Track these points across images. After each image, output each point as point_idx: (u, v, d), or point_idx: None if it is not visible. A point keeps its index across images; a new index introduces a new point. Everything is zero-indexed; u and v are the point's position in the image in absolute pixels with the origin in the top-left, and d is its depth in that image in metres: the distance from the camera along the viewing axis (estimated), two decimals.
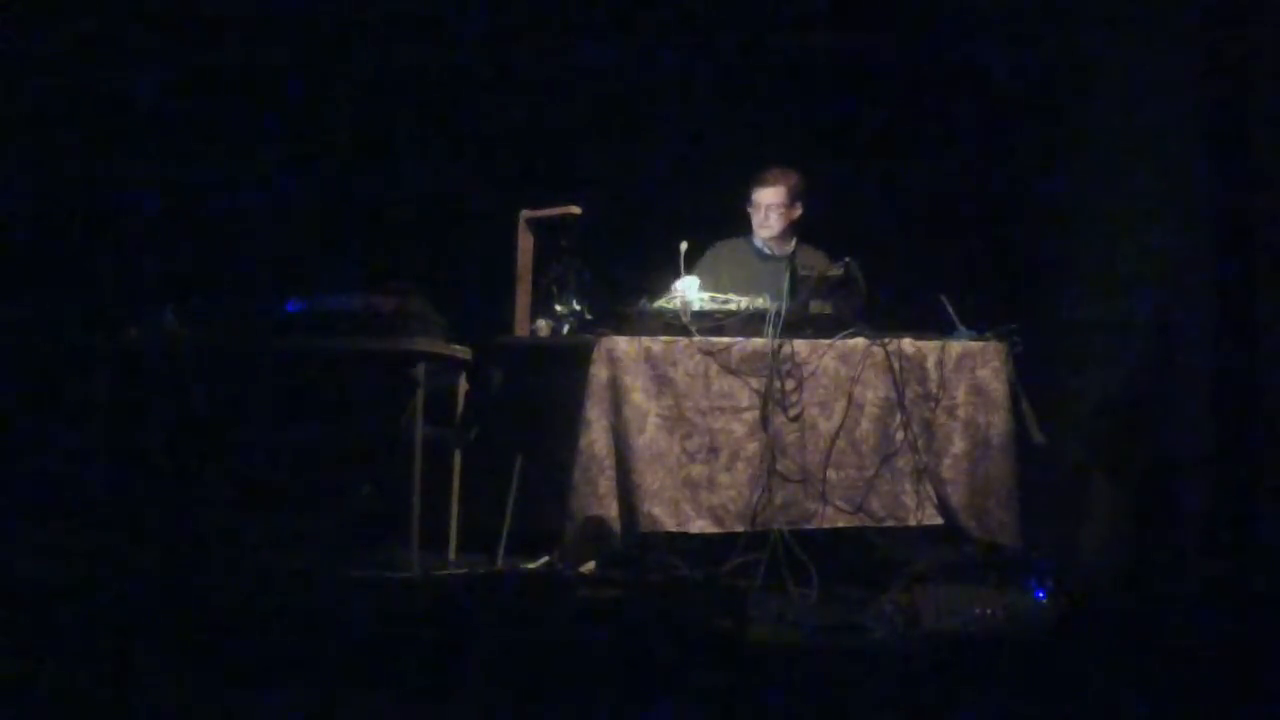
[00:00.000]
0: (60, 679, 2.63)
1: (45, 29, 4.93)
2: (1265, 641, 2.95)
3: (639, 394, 3.69)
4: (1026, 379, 3.76)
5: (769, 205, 4.32)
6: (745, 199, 4.37)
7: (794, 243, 4.40)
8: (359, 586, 3.63)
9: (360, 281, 4.14)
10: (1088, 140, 4.60)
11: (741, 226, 4.42)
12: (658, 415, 3.70)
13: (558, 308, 3.91)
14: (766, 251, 4.39)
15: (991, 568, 3.50)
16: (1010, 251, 4.94)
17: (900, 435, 3.71)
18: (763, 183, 4.34)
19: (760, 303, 3.79)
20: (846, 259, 3.87)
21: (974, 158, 5.06)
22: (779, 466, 3.67)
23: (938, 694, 2.64)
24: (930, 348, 3.76)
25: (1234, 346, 3.80)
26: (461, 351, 4.10)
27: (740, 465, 3.68)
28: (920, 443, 3.70)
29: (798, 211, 4.35)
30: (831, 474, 3.69)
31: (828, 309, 3.82)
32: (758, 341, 3.73)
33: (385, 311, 3.89)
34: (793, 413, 3.71)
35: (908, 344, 3.76)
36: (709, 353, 3.73)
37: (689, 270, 3.93)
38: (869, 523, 3.71)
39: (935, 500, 3.69)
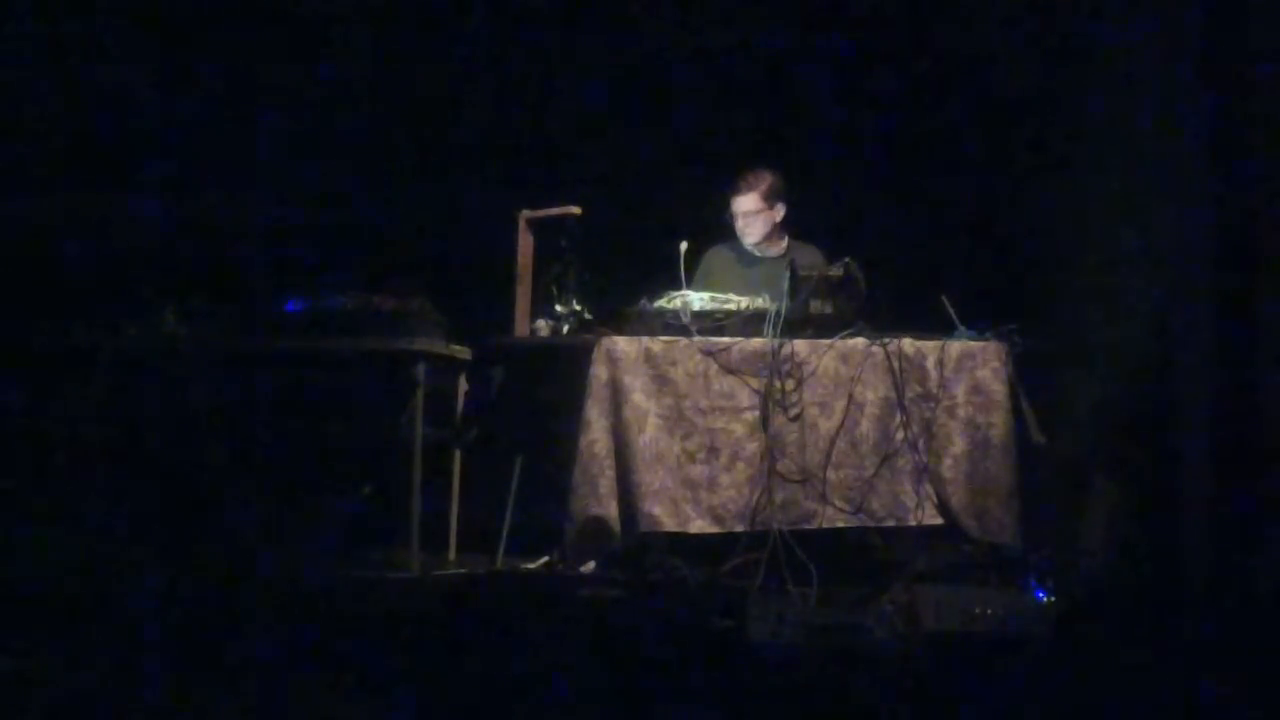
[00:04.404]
0: (60, 679, 2.63)
1: (45, 28, 4.94)
2: (1265, 641, 2.95)
3: (639, 394, 3.69)
4: (1026, 379, 3.76)
5: (746, 213, 4.31)
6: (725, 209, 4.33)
7: (785, 242, 4.40)
8: (359, 586, 3.64)
9: (360, 281, 4.14)
10: (1088, 140, 4.60)
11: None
12: (658, 415, 3.69)
13: (558, 308, 3.90)
14: (758, 254, 4.38)
15: (991, 568, 3.50)
16: (1010, 251, 4.93)
17: (900, 435, 3.71)
18: (736, 190, 4.32)
19: (760, 303, 3.79)
20: (846, 259, 3.86)
21: (974, 158, 5.05)
22: (779, 466, 3.67)
23: (938, 694, 2.64)
24: (930, 348, 3.76)
25: (1234, 346, 3.80)
26: (461, 351, 4.11)
27: (740, 465, 3.68)
28: (920, 443, 3.70)
29: (779, 212, 4.34)
30: (831, 474, 3.69)
31: (828, 309, 3.81)
32: (758, 341, 3.73)
33: (385, 311, 3.89)
34: (793, 413, 3.71)
35: (908, 344, 3.75)
36: (709, 353, 3.73)
37: (685, 275, 3.93)
38: (869, 523, 3.70)
39: (935, 500, 3.69)
